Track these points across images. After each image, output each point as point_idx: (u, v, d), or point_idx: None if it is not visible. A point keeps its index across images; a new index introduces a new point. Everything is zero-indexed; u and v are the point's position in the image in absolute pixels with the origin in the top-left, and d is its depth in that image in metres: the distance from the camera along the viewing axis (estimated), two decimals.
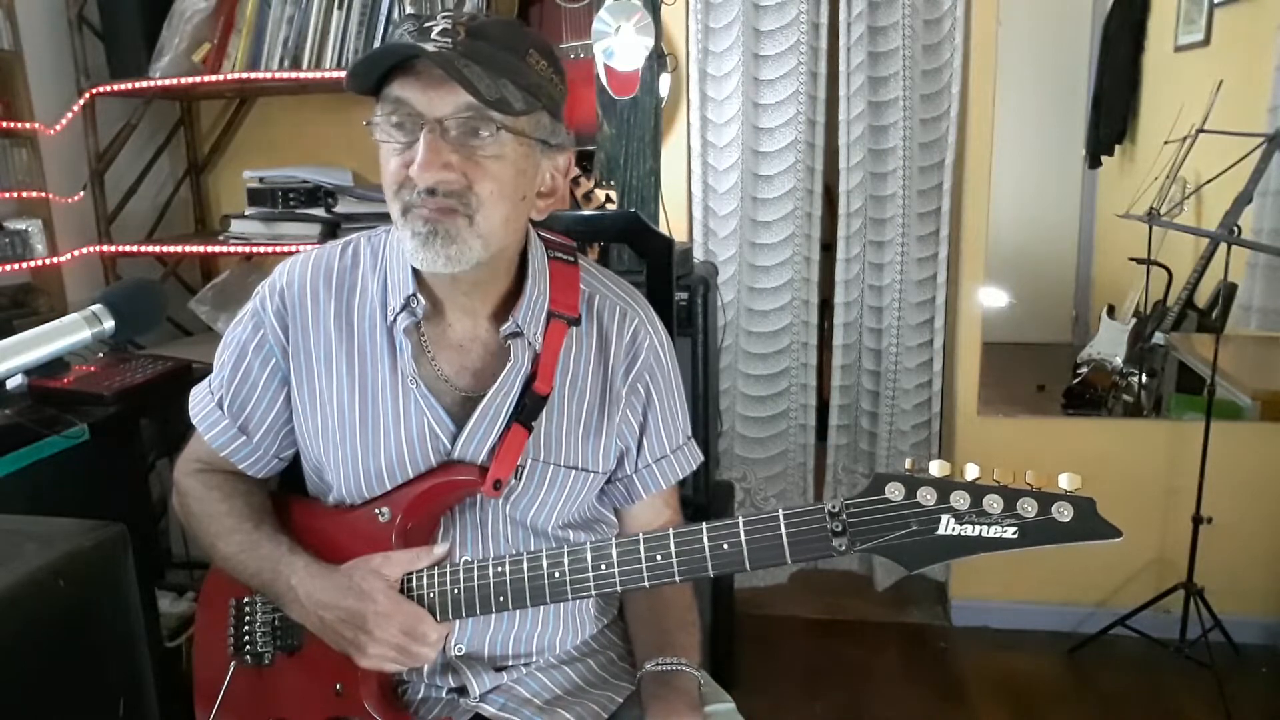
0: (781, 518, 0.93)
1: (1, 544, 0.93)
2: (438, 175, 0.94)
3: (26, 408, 1.70)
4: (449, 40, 0.93)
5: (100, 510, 1.04)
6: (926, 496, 0.88)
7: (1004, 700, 2.31)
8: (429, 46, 0.92)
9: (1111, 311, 3.07)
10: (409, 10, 2.16)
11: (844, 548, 0.90)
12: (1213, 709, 2.18)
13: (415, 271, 1.05)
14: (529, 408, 1.05)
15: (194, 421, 1.14)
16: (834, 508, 0.91)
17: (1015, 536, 0.86)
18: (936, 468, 0.89)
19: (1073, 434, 2.69)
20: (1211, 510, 2.31)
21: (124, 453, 1.88)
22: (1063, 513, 0.85)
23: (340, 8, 2.21)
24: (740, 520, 0.94)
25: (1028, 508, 0.86)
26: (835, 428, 2.73)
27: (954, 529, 0.87)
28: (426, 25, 0.94)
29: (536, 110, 0.98)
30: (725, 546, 0.94)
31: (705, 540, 0.95)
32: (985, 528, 0.87)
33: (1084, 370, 3.02)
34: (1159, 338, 2.81)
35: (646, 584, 0.97)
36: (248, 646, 1.12)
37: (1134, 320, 2.95)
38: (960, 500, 0.87)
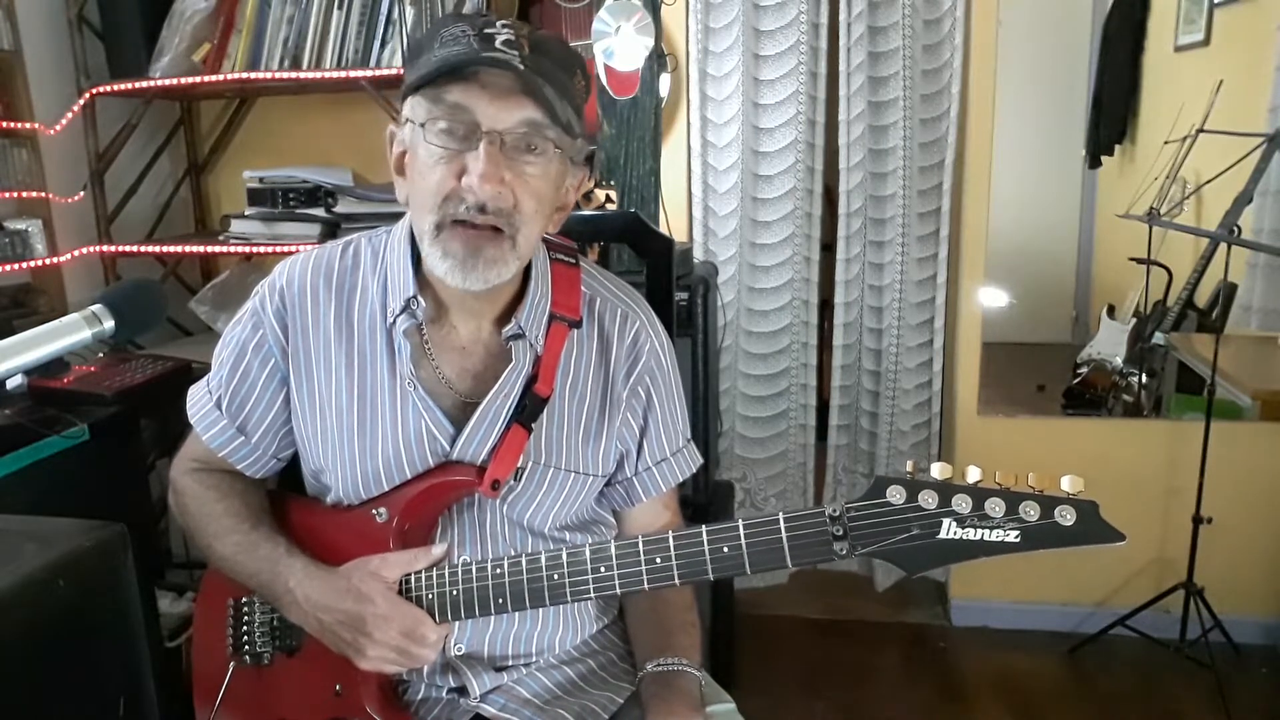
0: (782, 521, 0.92)
1: (1, 544, 0.93)
2: (496, 189, 0.93)
3: (26, 408, 1.69)
4: (516, 53, 0.91)
5: (100, 510, 1.04)
6: (928, 500, 0.87)
7: (1004, 700, 2.31)
8: (491, 56, 0.90)
9: (1111, 311, 3.07)
10: (409, 10, 2.15)
11: (845, 551, 0.90)
12: (1213, 709, 2.18)
13: (417, 273, 1.05)
14: (529, 409, 1.05)
15: (191, 421, 1.14)
16: (835, 511, 0.90)
17: (1017, 540, 0.86)
18: (938, 470, 0.88)
19: (1073, 434, 2.69)
20: (1211, 510, 2.31)
21: (124, 453, 1.88)
22: (1065, 516, 0.84)
23: (340, 8, 2.21)
24: (740, 523, 0.93)
25: (1030, 511, 0.85)
26: (835, 428, 2.73)
27: (955, 533, 0.87)
28: (488, 32, 0.93)
29: (583, 132, 0.99)
30: (725, 549, 0.94)
31: (705, 543, 0.95)
32: (987, 531, 0.86)
33: (1084, 370, 3.02)
34: (1159, 338, 2.81)
35: (645, 586, 0.97)
36: (246, 647, 1.12)
37: (1134, 320, 2.95)
38: (962, 504, 0.86)
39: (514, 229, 0.96)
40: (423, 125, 0.95)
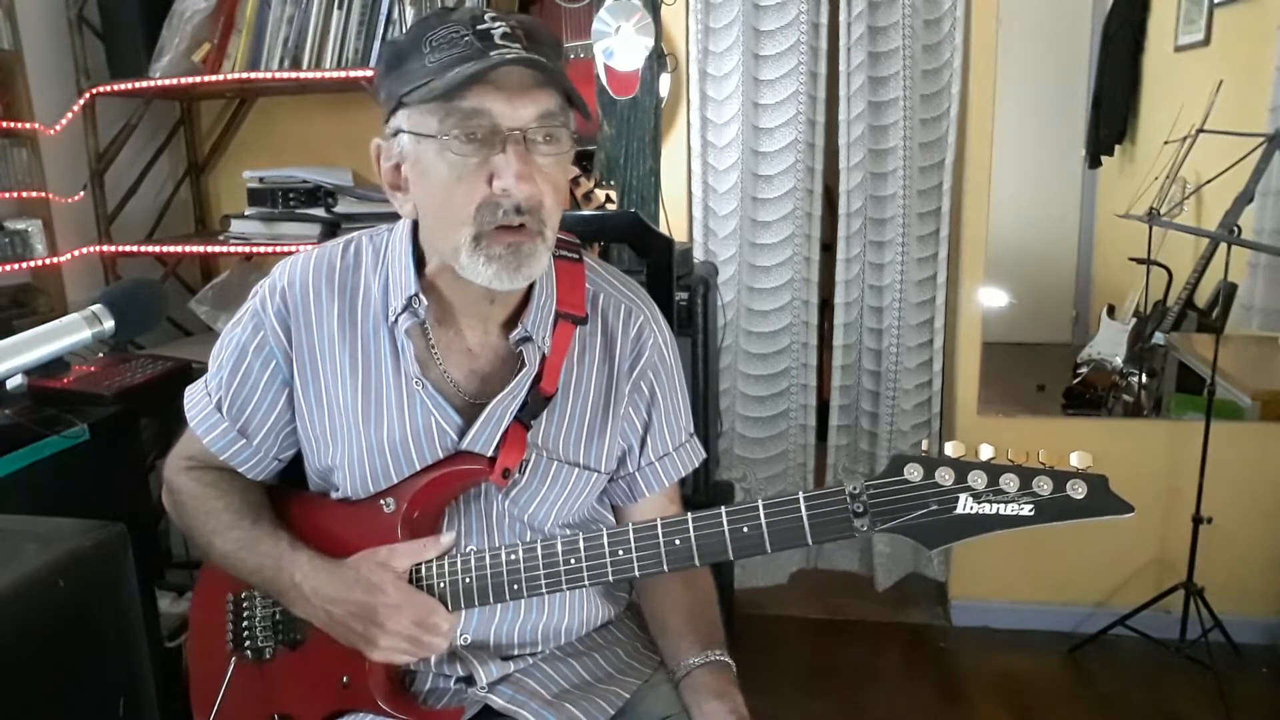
0: (802, 500, 0.94)
1: (1, 544, 0.93)
2: (531, 188, 0.92)
3: (26, 408, 1.69)
4: (518, 45, 0.91)
5: (100, 510, 1.04)
6: (944, 476, 0.90)
7: (1004, 700, 2.31)
8: (505, 54, 0.90)
9: (1111, 311, 3.07)
10: (409, 10, 2.15)
11: (865, 528, 0.92)
12: (1213, 709, 2.18)
13: (419, 273, 1.04)
14: (531, 406, 1.06)
15: (191, 424, 1.13)
16: (854, 489, 0.92)
17: (1031, 514, 0.88)
18: (952, 449, 0.90)
19: (1073, 434, 2.69)
20: (1211, 510, 2.31)
21: (124, 453, 1.88)
22: (1077, 490, 0.87)
23: (340, 8, 2.21)
24: (760, 503, 0.95)
25: (1043, 485, 0.88)
26: (835, 428, 2.73)
27: (972, 508, 0.89)
28: (481, 28, 0.91)
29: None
30: (745, 529, 0.95)
31: (725, 523, 0.95)
32: (1002, 506, 0.89)
33: (1084, 370, 3.02)
34: (1159, 338, 2.81)
35: (665, 568, 0.97)
36: (248, 642, 1.11)
37: (1134, 320, 2.95)
38: (978, 479, 0.89)
39: (542, 224, 0.96)
40: (438, 138, 0.93)
